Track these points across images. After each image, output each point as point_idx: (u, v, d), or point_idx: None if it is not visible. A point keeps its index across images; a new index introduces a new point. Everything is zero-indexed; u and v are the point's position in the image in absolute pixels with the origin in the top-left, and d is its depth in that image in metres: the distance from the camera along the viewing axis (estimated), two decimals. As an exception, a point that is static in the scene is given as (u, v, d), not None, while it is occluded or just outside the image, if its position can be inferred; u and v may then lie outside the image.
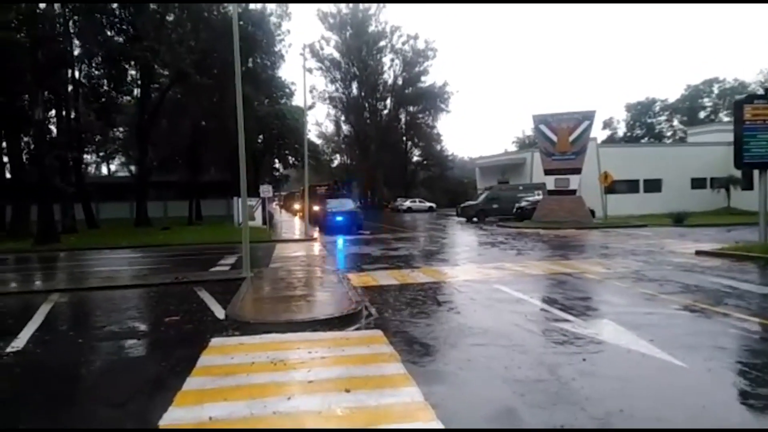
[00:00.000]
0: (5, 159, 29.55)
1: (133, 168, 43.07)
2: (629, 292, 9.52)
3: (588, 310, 8.08)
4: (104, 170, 63.63)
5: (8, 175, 29.22)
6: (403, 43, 66.67)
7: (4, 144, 29.28)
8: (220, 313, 8.29)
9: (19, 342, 6.89)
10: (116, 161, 62.51)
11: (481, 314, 8.05)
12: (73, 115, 30.60)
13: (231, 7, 12.18)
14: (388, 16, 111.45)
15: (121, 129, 46.39)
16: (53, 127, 29.90)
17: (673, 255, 14.72)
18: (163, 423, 4.27)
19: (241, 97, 12.11)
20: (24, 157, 27.05)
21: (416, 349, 6.29)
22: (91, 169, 62.84)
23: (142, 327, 7.67)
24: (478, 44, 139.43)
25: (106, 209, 39.99)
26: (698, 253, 14.69)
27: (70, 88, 30.45)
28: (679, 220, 26.58)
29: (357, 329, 7.26)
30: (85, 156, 44.77)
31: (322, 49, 65.36)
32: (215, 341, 6.67)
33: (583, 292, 9.68)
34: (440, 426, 4.11)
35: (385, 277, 11.62)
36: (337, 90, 68.83)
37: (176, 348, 6.69)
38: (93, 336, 7.38)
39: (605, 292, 9.84)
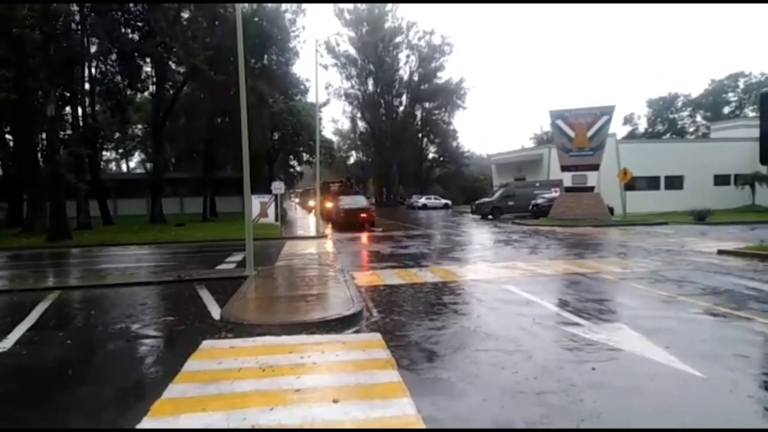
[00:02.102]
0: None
1: (149, 165, 43.34)
2: (646, 294, 9.04)
3: (601, 314, 7.64)
4: (124, 167, 64.47)
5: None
6: (419, 39, 66.30)
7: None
8: (216, 313, 8.03)
9: (8, 342, 6.72)
10: (135, 158, 63.29)
11: (487, 317, 7.66)
12: (89, 112, 30.78)
13: (238, 7, 11.87)
14: (404, 11, 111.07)
15: (139, 126, 46.80)
16: (70, 124, 30.02)
17: (693, 254, 14.12)
18: (134, 435, 4.00)
19: (245, 97, 11.85)
20: (39, 154, 27.10)
21: (415, 354, 5.95)
22: (112, 166, 63.69)
23: (135, 327, 7.41)
24: (495, 39, 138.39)
25: (123, 206, 40.42)
26: (720, 252, 14.08)
27: (87, 85, 30.63)
28: (700, 217, 25.77)
29: (356, 332, 6.94)
30: (104, 153, 45.21)
31: (337, 45, 65.20)
32: (206, 344, 6.40)
33: (597, 294, 9.21)
34: (430, 444, 3.78)
35: (392, 277, 11.27)
36: (352, 86, 68.63)
37: (165, 351, 6.47)
38: (82, 337, 7.17)
39: (620, 293, 9.39)
